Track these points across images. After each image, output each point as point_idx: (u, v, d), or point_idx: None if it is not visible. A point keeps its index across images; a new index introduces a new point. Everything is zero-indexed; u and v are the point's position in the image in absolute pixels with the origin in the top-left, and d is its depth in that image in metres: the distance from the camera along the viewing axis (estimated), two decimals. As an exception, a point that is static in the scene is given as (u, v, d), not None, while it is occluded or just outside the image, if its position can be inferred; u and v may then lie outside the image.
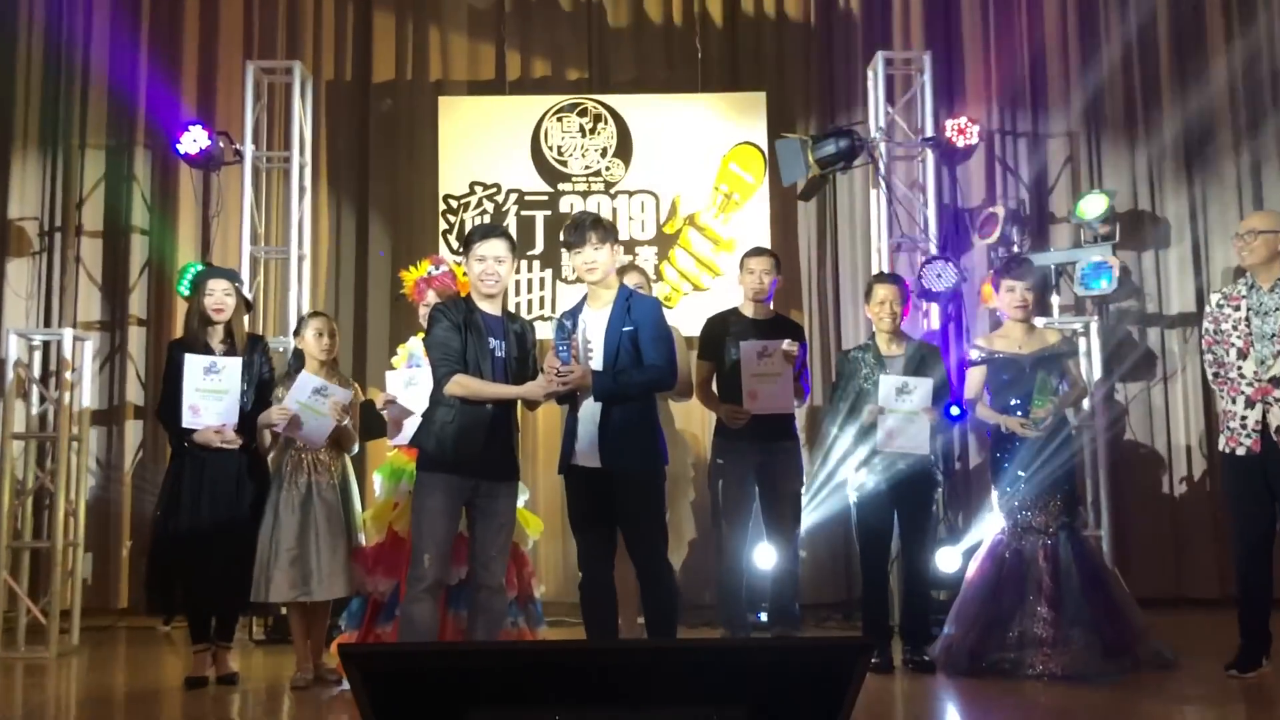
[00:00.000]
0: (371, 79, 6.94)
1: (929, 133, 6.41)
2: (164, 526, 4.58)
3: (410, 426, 4.25)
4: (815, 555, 6.27)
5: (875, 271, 6.15)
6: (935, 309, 6.28)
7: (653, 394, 3.98)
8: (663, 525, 3.99)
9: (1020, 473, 4.70)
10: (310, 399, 4.51)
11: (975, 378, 4.88)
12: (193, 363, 4.55)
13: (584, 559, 4.01)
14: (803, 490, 4.99)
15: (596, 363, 3.89)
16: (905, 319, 4.97)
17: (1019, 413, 4.74)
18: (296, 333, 4.90)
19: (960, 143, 6.32)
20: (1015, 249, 6.55)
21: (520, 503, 4.30)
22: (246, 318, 4.90)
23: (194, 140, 6.12)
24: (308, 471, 4.64)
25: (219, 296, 4.68)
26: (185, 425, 4.54)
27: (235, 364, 4.58)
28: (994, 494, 4.85)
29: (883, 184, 6.38)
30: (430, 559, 3.75)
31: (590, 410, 3.87)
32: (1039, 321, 5.38)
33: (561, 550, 6.35)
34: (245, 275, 6.07)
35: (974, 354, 4.91)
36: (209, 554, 4.49)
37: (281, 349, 5.98)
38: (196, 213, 6.64)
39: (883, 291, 4.89)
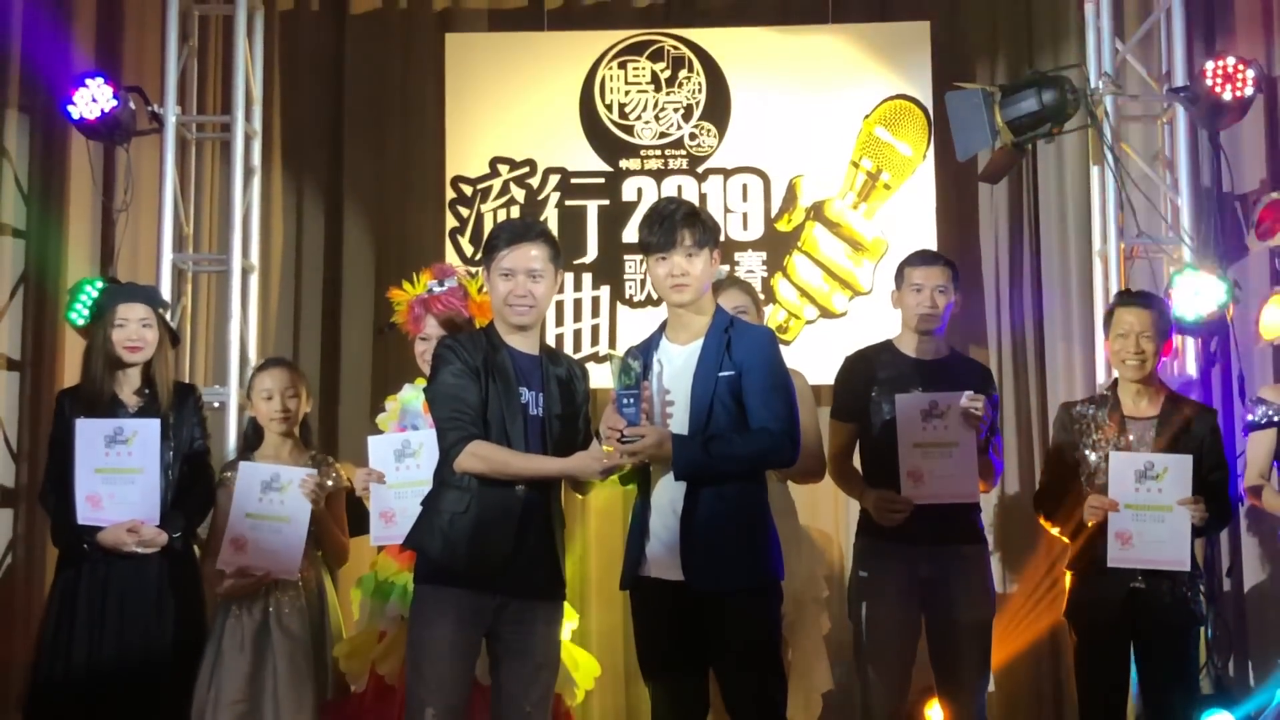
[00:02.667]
0: (348, 8, 7.07)
1: (1179, 81, 6.35)
2: (48, 667, 4.62)
3: (405, 518, 4.27)
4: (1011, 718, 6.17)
5: (1117, 290, 6.06)
6: (1191, 345, 6.19)
7: (763, 472, 3.99)
8: (778, 671, 3.97)
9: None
10: (262, 504, 4.58)
11: (1259, 448, 4.87)
12: (89, 431, 4.63)
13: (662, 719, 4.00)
14: (993, 620, 4.92)
15: (679, 424, 3.90)
16: (1166, 358, 4.91)
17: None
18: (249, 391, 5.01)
19: (1227, 95, 6.24)
20: (1314, 254, 6.44)
21: (566, 634, 4.31)
22: (173, 357, 5.00)
23: (92, 99, 6.22)
24: (265, 589, 4.68)
25: (134, 328, 4.75)
26: (82, 521, 4.61)
27: (150, 428, 4.65)
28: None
29: (1109, 157, 6.32)
30: (435, 717, 3.76)
31: (669, 496, 3.89)
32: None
33: (626, 706, 6.35)
34: (166, 295, 6.13)
35: (1257, 413, 4.89)
36: (116, 709, 4.51)
37: (217, 404, 6.06)
38: (94, 205, 6.74)
39: (1130, 318, 4.80)
